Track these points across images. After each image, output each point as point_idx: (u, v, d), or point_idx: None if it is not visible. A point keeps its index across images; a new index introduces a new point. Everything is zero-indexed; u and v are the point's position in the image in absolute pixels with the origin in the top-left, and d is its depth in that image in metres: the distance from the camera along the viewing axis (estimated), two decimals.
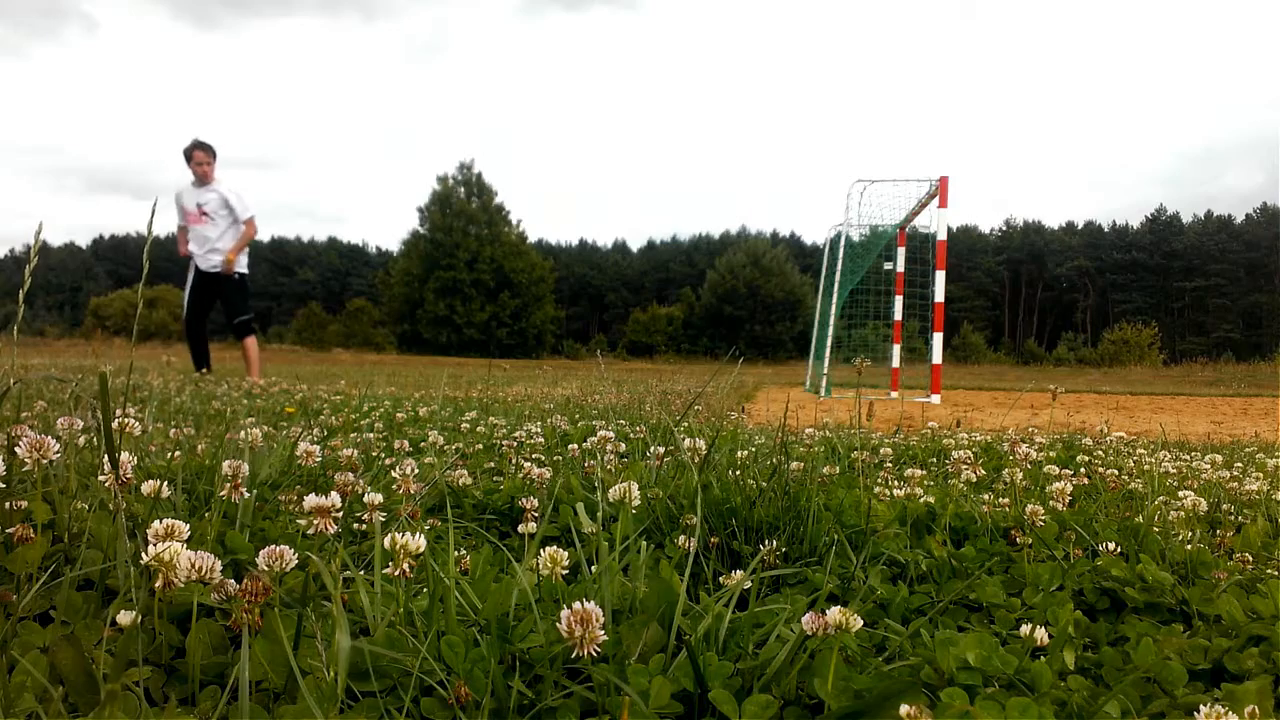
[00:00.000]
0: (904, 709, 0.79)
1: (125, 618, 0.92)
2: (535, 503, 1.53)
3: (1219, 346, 54.10)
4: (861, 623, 0.95)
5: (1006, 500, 1.85)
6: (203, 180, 7.82)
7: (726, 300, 61.89)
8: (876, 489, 1.97)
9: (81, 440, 1.47)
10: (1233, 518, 2.01)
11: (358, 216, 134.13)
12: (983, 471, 2.27)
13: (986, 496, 1.88)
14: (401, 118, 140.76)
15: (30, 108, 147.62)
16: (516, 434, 3.00)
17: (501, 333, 57.74)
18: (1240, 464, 2.93)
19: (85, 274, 73.74)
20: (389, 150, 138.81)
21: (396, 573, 1.02)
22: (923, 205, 10.63)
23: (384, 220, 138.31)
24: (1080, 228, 72.65)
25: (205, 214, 7.79)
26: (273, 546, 1.01)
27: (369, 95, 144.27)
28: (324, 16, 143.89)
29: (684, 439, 1.85)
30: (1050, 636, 1.07)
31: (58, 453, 1.14)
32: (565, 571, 1.10)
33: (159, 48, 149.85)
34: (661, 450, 2.09)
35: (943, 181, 9.59)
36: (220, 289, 8.08)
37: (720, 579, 1.30)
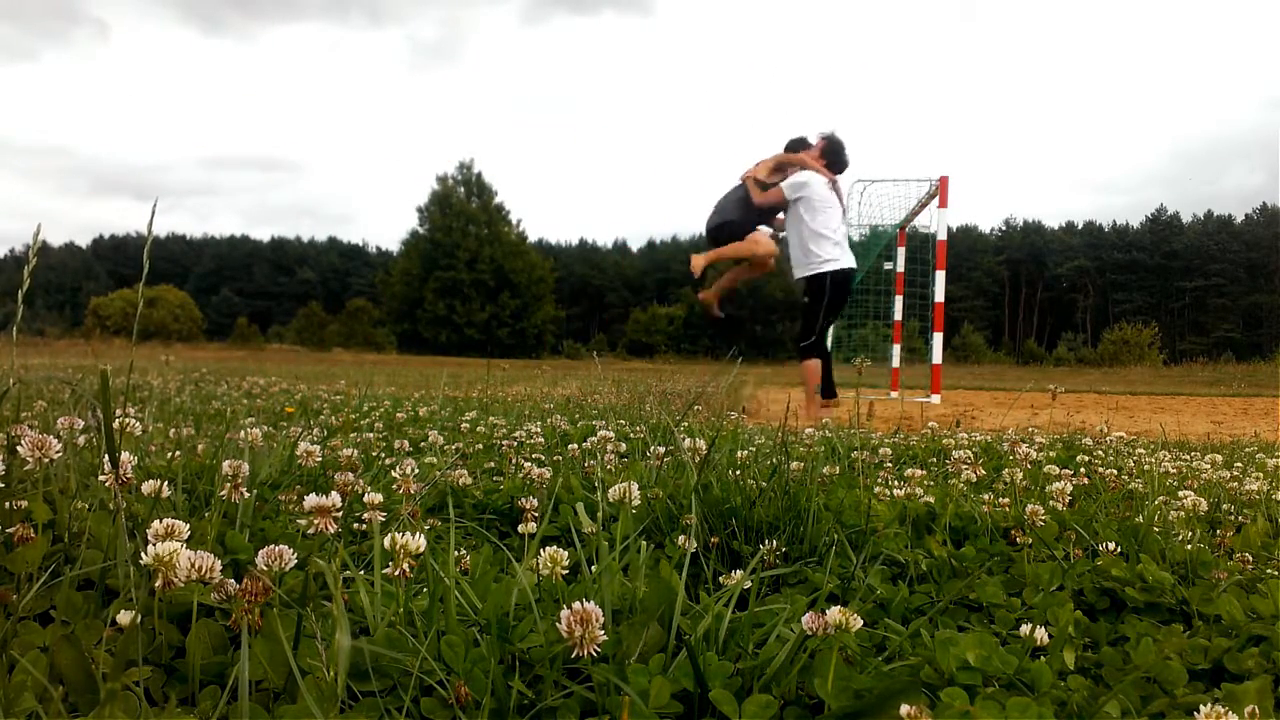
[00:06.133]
0: (904, 709, 0.79)
1: (125, 617, 0.92)
2: (535, 503, 1.53)
3: (1219, 346, 54.08)
4: (861, 623, 0.95)
5: (1006, 500, 1.85)
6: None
7: (726, 300, 61.79)
8: (876, 489, 1.97)
9: (81, 440, 1.47)
10: (1233, 518, 2.01)
11: (358, 216, 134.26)
12: (983, 471, 2.27)
13: (986, 496, 1.88)
14: (403, 118, 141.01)
15: (37, 109, 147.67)
16: (516, 434, 3.00)
17: (502, 333, 57.76)
18: (1240, 464, 2.93)
19: (85, 274, 73.75)
20: (390, 150, 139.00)
21: (396, 573, 1.02)
22: (923, 205, 10.62)
23: (384, 220, 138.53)
24: (1080, 228, 72.65)
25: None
26: (273, 546, 1.01)
27: (371, 97, 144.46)
28: (330, 21, 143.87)
29: (684, 439, 1.85)
30: (1050, 636, 1.07)
31: (58, 452, 1.14)
32: (565, 571, 1.10)
33: (166, 50, 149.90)
34: (661, 450, 2.09)
35: (943, 181, 9.58)
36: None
37: (720, 579, 1.30)
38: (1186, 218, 68.76)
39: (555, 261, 66.90)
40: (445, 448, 2.68)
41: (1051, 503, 1.78)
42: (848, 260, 6.22)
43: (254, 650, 0.88)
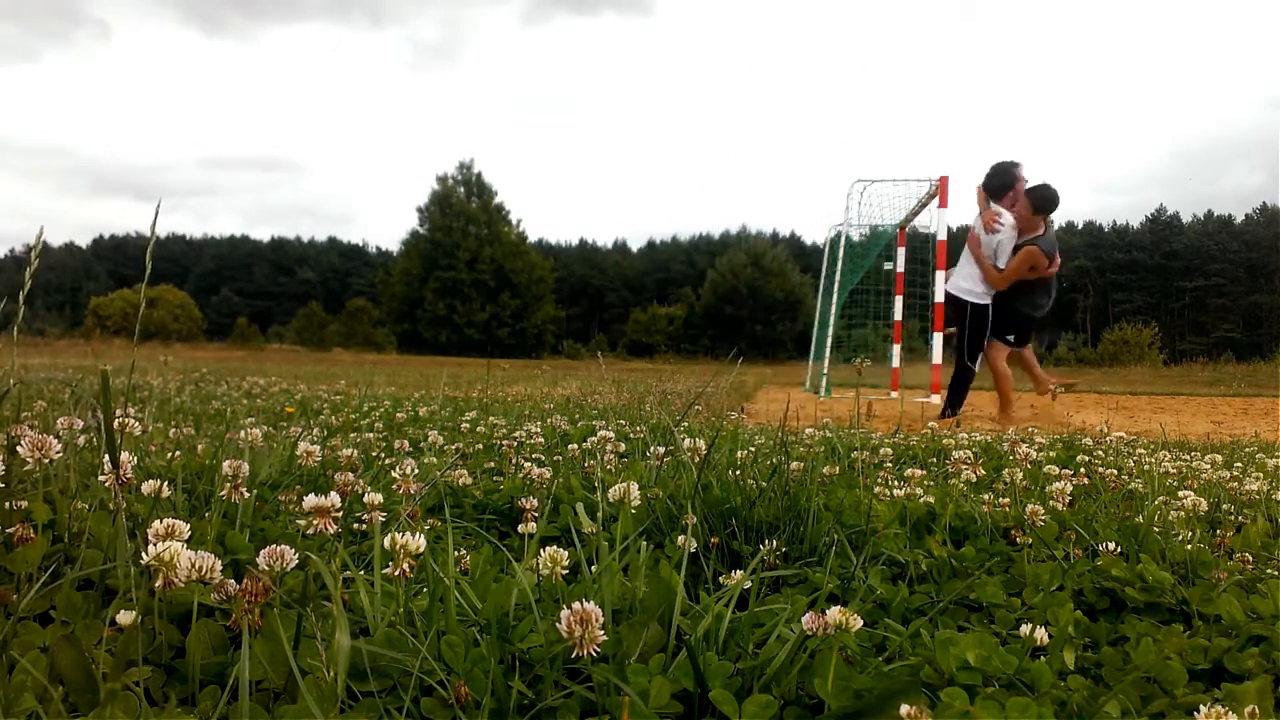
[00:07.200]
0: (904, 709, 0.79)
1: (125, 617, 0.92)
2: (535, 503, 1.53)
3: (1219, 346, 54.02)
4: (861, 623, 0.95)
5: (1006, 500, 1.85)
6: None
7: (726, 300, 61.90)
8: (876, 489, 1.97)
9: (81, 440, 1.47)
10: (1233, 518, 2.01)
11: (358, 216, 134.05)
12: (983, 471, 2.27)
13: (986, 496, 1.88)
14: (403, 119, 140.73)
15: (37, 109, 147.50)
16: (516, 434, 3.00)
17: (502, 333, 57.74)
18: (1240, 464, 2.93)
19: (85, 274, 73.71)
20: (390, 150, 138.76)
21: (396, 573, 1.02)
22: (923, 205, 10.62)
23: (384, 220, 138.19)
24: (1080, 228, 72.55)
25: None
26: (273, 546, 1.01)
27: (372, 97, 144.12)
28: (332, 21, 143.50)
29: (684, 439, 1.85)
30: (1050, 636, 1.07)
31: (58, 453, 1.14)
32: (565, 571, 1.10)
33: (167, 51, 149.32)
34: (661, 450, 2.09)
35: (943, 181, 9.58)
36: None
37: (720, 579, 1.30)
38: (1186, 218, 68.71)
39: (555, 261, 66.87)
40: (445, 448, 2.68)
41: (1051, 503, 1.78)
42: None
43: (254, 650, 0.88)
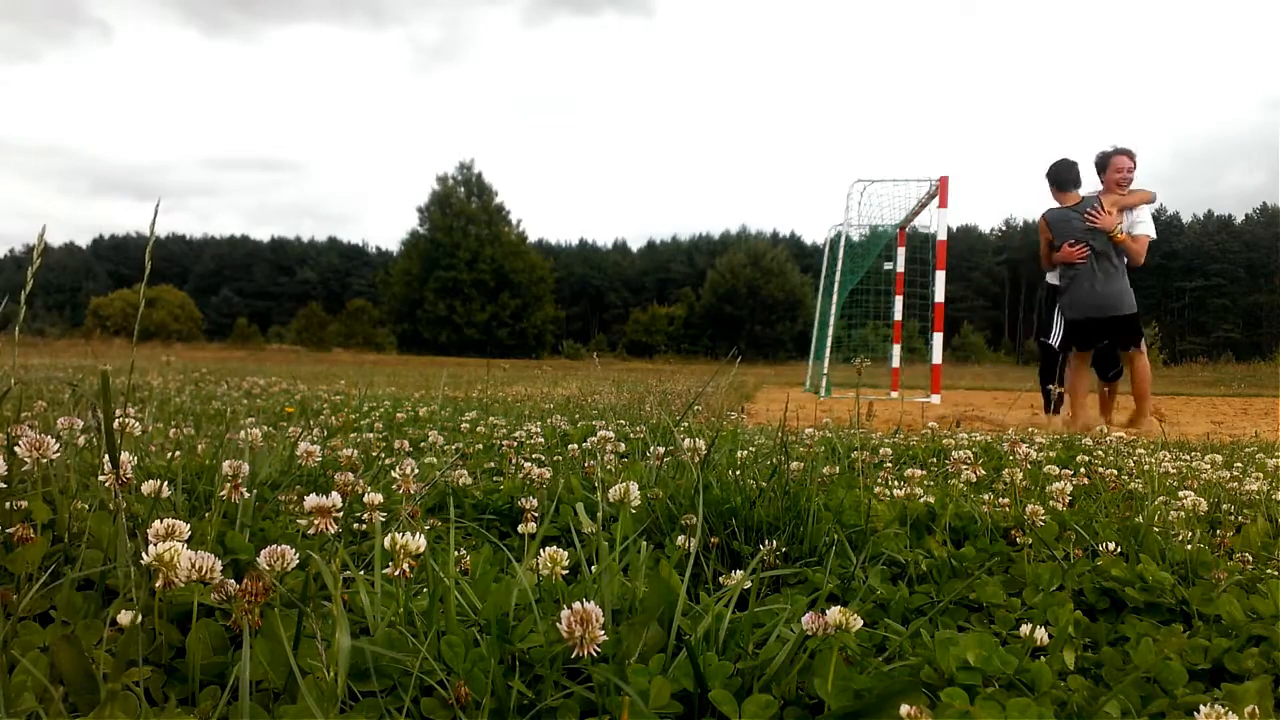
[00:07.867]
0: (904, 709, 0.79)
1: (125, 618, 0.92)
2: (535, 503, 1.53)
3: (1219, 346, 53.95)
4: (861, 623, 0.95)
5: (1006, 500, 1.85)
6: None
7: (726, 300, 61.91)
8: (876, 489, 1.97)
9: (81, 440, 1.47)
10: (1233, 518, 2.01)
11: (358, 216, 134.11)
12: (983, 471, 2.27)
13: (986, 496, 1.88)
14: (404, 119, 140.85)
15: (38, 109, 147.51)
16: (516, 434, 3.00)
17: (502, 333, 57.74)
18: (1240, 464, 2.93)
19: (85, 274, 73.71)
20: (391, 150, 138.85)
21: (396, 573, 1.02)
22: (923, 205, 10.63)
23: (384, 220, 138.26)
24: None
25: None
26: (273, 546, 1.01)
27: (373, 97, 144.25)
28: (332, 22, 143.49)
29: (684, 439, 1.85)
30: (1050, 636, 1.07)
31: (58, 452, 1.14)
32: (565, 571, 1.10)
33: (168, 51, 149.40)
34: (661, 450, 2.09)
35: (943, 181, 9.59)
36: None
37: (720, 579, 1.30)
38: (1186, 218, 68.71)
39: (555, 261, 66.90)
40: (445, 448, 2.68)
41: (1051, 503, 1.78)
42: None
43: (254, 650, 0.88)
